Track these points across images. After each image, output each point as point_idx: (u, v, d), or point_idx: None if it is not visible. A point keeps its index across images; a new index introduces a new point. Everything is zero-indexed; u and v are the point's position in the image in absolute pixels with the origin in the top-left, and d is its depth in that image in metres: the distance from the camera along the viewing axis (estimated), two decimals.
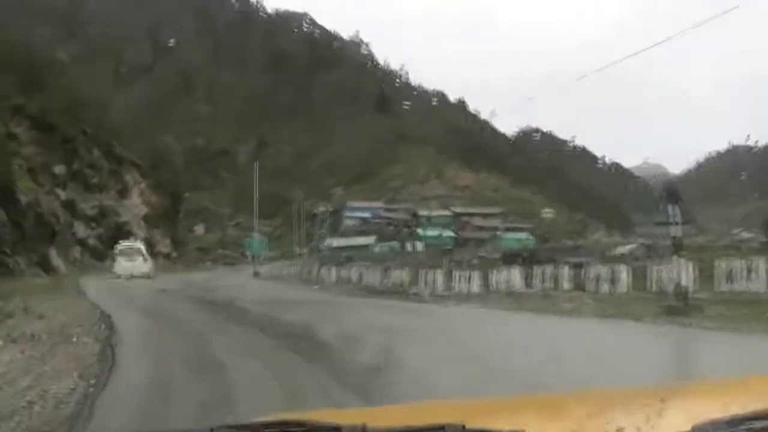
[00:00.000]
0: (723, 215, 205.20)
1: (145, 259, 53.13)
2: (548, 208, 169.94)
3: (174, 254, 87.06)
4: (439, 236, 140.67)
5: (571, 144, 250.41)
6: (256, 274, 58.59)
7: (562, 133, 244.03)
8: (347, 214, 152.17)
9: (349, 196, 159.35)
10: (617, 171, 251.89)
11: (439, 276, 32.14)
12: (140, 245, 56.50)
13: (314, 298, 31.88)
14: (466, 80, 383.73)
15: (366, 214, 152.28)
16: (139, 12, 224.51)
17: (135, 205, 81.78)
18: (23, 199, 56.95)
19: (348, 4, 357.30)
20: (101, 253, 69.83)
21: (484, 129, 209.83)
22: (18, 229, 55.26)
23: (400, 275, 35.88)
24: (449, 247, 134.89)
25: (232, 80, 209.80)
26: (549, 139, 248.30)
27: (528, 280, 29.26)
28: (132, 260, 51.57)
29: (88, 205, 70.88)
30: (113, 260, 53.42)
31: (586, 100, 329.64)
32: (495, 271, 30.36)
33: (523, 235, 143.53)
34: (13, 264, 52.28)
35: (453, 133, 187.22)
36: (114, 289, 34.21)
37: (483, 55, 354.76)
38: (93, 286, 38.05)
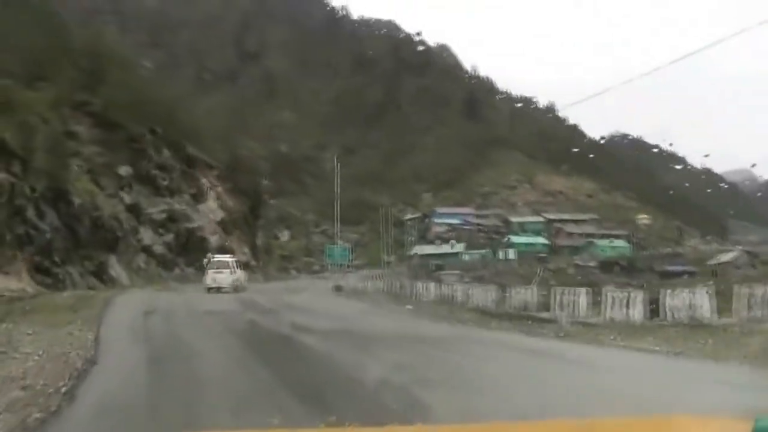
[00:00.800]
0: None
1: (233, 272, 50.64)
2: (643, 213, 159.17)
3: (253, 262, 79.21)
4: (532, 243, 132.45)
5: (660, 149, 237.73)
6: (337, 289, 49.64)
7: (650, 138, 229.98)
8: (436, 220, 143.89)
9: (437, 202, 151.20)
10: (708, 176, 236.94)
11: (582, 297, 22.95)
12: (229, 258, 54.20)
13: (411, 327, 22.47)
14: (554, 85, 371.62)
15: (455, 221, 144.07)
16: (223, 20, 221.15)
17: (210, 210, 74.17)
18: (77, 201, 49.68)
19: (433, 11, 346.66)
20: (169, 262, 62.37)
21: (573, 134, 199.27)
22: (72, 235, 48.07)
23: (524, 296, 26.59)
24: (543, 254, 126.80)
25: (316, 86, 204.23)
26: (638, 143, 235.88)
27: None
28: (220, 272, 49.38)
29: (156, 210, 63.34)
30: (204, 272, 51.14)
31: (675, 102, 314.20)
32: (668, 291, 20.82)
33: (618, 242, 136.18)
34: (63, 274, 45.06)
35: (542, 138, 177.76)
36: (149, 311, 25.74)
37: (571, 60, 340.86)
38: (129, 304, 30.03)
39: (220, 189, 78.76)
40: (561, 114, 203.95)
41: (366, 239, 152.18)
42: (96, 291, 43.52)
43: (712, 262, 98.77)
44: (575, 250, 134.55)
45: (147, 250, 59.75)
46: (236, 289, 47.17)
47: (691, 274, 78.32)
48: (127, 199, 60.08)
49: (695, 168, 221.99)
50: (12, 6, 65.60)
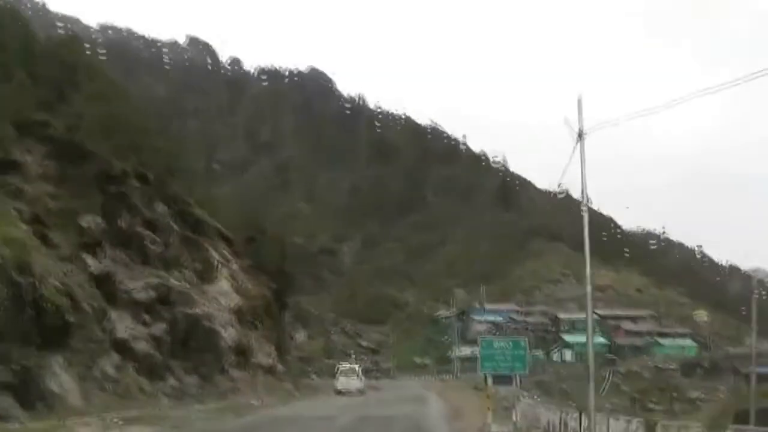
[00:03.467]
0: None
1: (360, 378, 56.26)
2: (699, 310, 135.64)
3: (280, 367, 54.25)
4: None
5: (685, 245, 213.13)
6: None
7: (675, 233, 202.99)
8: (476, 317, 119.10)
9: (473, 298, 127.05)
10: (733, 273, 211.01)
11: None
12: (356, 366, 62.80)
13: None
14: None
15: (497, 318, 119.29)
16: (235, 109, 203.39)
17: (222, 293, 49.40)
18: None
19: (450, 102, 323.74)
20: (159, 367, 37.39)
21: (609, 225, 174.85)
22: None
23: None
24: (611, 356, 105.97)
25: (333, 176, 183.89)
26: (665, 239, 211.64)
27: None
28: (349, 378, 54.44)
29: (139, 285, 38.74)
30: (335, 378, 56.52)
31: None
32: None
33: (685, 342, 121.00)
34: None
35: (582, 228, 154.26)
36: None
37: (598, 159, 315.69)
38: None
39: (235, 266, 54.33)
40: (595, 206, 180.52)
41: (391, 340, 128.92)
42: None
43: None
44: (638, 350, 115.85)
45: (121, 346, 34.85)
46: (360, 392, 52.03)
47: None
48: (93, 265, 35.59)
49: (722, 264, 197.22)
50: None
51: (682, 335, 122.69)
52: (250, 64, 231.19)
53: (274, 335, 56.06)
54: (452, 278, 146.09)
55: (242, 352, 46.52)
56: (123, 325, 36.13)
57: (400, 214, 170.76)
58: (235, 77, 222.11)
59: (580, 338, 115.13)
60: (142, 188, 44.22)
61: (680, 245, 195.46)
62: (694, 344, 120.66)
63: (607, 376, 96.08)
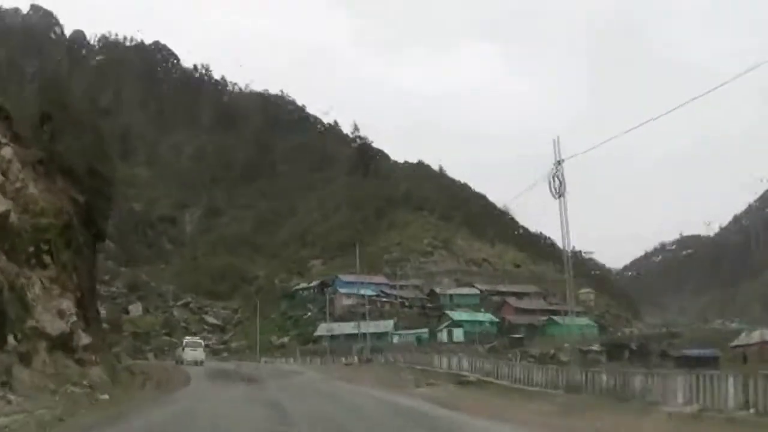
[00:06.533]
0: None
1: (203, 350, 55.68)
2: (584, 288, 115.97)
3: (86, 340, 25.85)
4: (479, 321, 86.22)
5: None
6: None
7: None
8: (342, 290, 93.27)
9: (331, 270, 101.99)
10: (576, 257, 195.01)
11: None
12: (200, 340, 61.88)
13: None
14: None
15: (368, 292, 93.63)
16: (74, 75, 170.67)
17: None
18: None
19: (298, 73, 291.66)
20: None
21: (468, 193, 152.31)
22: None
23: None
24: (519, 335, 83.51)
25: (176, 141, 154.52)
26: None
27: None
28: (195, 350, 52.03)
29: None
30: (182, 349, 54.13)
31: None
32: None
33: (584, 321, 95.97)
34: None
35: (451, 200, 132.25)
36: None
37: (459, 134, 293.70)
38: None
39: (11, 155, 26.14)
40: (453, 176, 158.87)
41: (240, 316, 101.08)
42: None
43: (740, 343, 63.97)
44: (533, 329, 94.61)
45: None
46: (201, 363, 47.99)
47: (714, 359, 50.97)
48: None
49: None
50: None
51: (576, 313, 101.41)
52: (92, 34, 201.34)
53: (77, 282, 27.76)
54: (306, 249, 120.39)
55: None
56: None
57: (246, 181, 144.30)
58: (77, 46, 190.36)
59: (467, 316, 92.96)
60: None
61: (524, 229, 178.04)
62: (594, 324, 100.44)
63: (514, 358, 72.83)
